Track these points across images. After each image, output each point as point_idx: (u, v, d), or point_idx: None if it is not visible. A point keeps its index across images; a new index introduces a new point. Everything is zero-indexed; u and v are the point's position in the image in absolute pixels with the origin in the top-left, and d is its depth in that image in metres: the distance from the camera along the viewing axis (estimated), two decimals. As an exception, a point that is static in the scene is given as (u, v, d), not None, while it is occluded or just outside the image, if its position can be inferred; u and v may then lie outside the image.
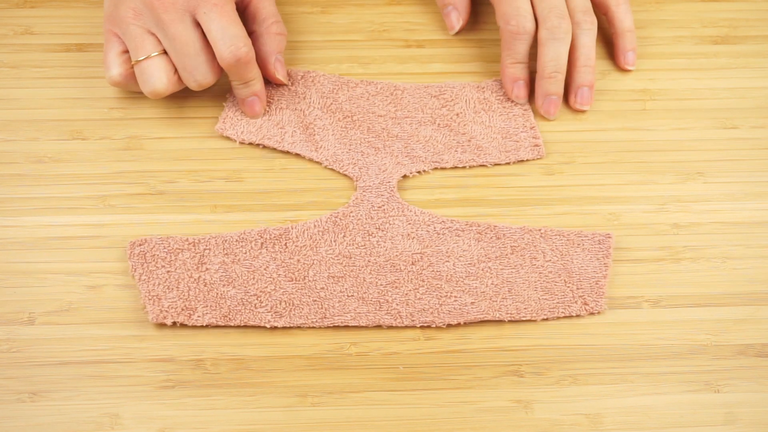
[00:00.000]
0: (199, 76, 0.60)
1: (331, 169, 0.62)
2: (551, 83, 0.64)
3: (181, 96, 0.65)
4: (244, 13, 0.64)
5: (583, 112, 0.65)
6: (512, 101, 0.65)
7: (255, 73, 0.62)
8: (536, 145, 0.64)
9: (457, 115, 0.64)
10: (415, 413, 0.53)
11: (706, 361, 0.55)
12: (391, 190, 0.61)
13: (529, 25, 0.64)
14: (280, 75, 0.64)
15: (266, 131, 0.63)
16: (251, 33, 0.64)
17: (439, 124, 0.64)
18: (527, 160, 0.63)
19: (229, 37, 0.59)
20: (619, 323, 0.57)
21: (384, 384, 0.54)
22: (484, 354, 0.56)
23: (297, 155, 0.63)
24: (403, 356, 0.55)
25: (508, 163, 0.63)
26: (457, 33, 0.69)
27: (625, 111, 0.66)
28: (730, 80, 0.67)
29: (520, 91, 0.65)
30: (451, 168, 0.63)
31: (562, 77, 0.64)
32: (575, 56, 0.65)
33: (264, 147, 0.63)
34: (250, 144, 0.63)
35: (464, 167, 0.63)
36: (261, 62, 0.63)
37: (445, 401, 0.54)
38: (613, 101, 0.67)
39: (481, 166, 0.63)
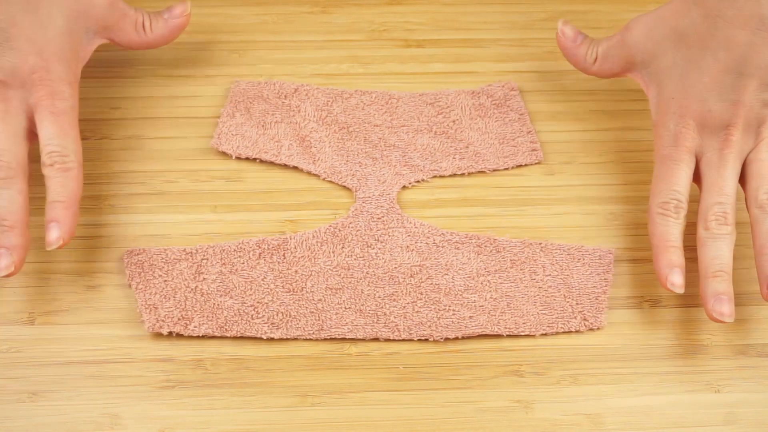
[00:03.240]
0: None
1: (330, 182, 0.62)
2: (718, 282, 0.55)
3: (181, 96, 0.65)
4: None
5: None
6: (508, 107, 0.65)
7: (61, 207, 0.54)
8: (534, 150, 0.63)
9: (454, 122, 0.64)
10: (415, 413, 0.53)
11: (706, 361, 0.55)
12: (391, 202, 0.60)
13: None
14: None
15: (262, 145, 0.63)
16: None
17: (435, 132, 0.64)
18: (526, 164, 0.63)
19: (54, 146, 0.55)
20: (619, 323, 0.57)
21: (384, 384, 0.54)
22: (484, 354, 0.56)
23: (295, 168, 0.62)
24: (403, 356, 0.55)
25: (506, 169, 0.63)
26: (457, 34, 0.69)
27: (625, 111, 0.66)
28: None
29: (677, 278, 0.55)
30: (450, 175, 0.63)
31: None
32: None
33: (261, 161, 0.62)
34: (247, 159, 0.63)
35: (463, 174, 0.63)
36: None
37: (445, 401, 0.54)
38: (613, 101, 0.66)
39: (480, 172, 0.63)
